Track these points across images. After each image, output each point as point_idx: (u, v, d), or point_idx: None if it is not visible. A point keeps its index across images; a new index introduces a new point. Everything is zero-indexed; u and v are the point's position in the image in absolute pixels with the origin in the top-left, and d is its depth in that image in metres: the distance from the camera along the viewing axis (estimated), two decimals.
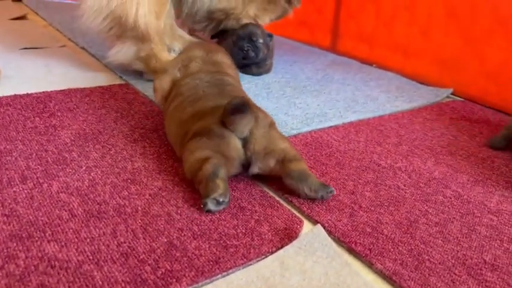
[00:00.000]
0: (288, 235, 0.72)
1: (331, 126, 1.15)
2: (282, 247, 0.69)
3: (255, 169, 0.83)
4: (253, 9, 1.47)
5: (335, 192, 0.83)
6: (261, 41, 1.40)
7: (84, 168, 0.86)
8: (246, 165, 0.83)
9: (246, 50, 1.38)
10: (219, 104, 0.85)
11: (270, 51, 1.49)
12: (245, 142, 0.81)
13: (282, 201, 0.82)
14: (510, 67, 1.35)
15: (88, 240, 0.67)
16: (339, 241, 0.73)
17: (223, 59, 1.07)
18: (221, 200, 0.74)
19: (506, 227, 0.80)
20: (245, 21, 1.46)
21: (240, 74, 1.39)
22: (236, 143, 0.81)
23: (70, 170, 0.85)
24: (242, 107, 0.80)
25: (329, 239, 0.72)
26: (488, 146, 1.11)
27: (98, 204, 0.75)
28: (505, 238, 0.77)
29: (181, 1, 1.41)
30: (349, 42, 1.85)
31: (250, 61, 1.42)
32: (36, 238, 0.66)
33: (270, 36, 1.45)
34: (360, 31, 1.80)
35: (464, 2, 1.43)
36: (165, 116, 0.98)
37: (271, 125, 0.87)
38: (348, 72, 1.62)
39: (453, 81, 1.50)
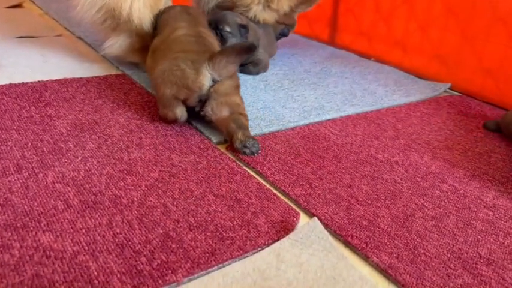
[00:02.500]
0: (284, 228, 0.72)
1: (328, 120, 1.15)
2: (278, 240, 0.69)
3: (208, 108, 0.97)
4: None
5: (259, 151, 0.94)
6: (227, 29, 1.29)
7: (80, 158, 0.85)
8: (203, 101, 0.97)
9: None
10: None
11: (262, 44, 1.42)
12: (215, 80, 0.96)
13: (278, 194, 0.82)
14: (508, 63, 1.35)
15: (83, 230, 0.67)
16: (335, 234, 0.73)
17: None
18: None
19: (502, 222, 0.80)
20: (254, 8, 1.41)
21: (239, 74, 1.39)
22: (204, 78, 0.94)
23: (66, 160, 0.84)
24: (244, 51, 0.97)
25: (325, 232, 0.72)
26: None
27: (93, 194, 0.75)
28: (501, 233, 0.77)
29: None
30: (348, 36, 1.85)
31: None
32: (31, 228, 0.66)
33: (244, 27, 1.32)
34: (359, 25, 1.79)
35: None
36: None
37: (237, 87, 1.02)
38: (346, 65, 1.62)
39: (451, 76, 1.50)
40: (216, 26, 1.29)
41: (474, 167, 0.98)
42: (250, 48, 0.98)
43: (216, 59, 0.94)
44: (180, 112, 0.97)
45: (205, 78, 0.94)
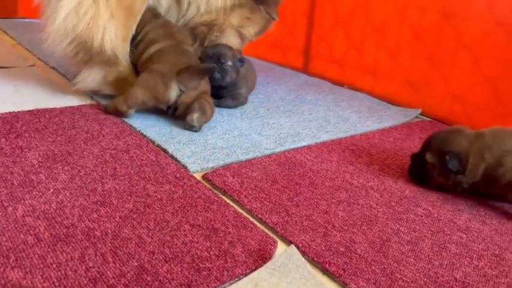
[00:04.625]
0: (261, 256, 0.72)
1: (304, 146, 1.16)
2: (255, 269, 0.69)
3: (178, 112, 1.19)
4: (236, 18, 1.42)
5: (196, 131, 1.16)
6: (229, 63, 1.31)
7: (51, 190, 0.83)
8: (173, 109, 1.20)
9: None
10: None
11: (245, 79, 1.42)
12: (180, 93, 1.17)
13: (255, 222, 0.81)
14: (475, 89, 1.40)
15: (54, 265, 0.64)
16: (313, 261, 0.73)
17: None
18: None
19: (475, 244, 0.81)
20: (228, 32, 1.42)
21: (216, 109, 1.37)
22: (171, 92, 1.16)
23: (37, 193, 0.82)
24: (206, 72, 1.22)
25: (303, 259, 0.71)
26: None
27: (65, 227, 0.73)
28: (474, 255, 0.78)
29: None
30: (321, 64, 1.89)
31: (216, 83, 1.31)
32: None
33: (242, 61, 1.36)
34: (331, 53, 1.84)
35: (431, 26, 1.49)
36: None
37: (205, 92, 1.23)
38: (320, 93, 1.65)
39: (421, 102, 1.54)
40: (217, 60, 1.30)
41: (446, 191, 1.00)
42: (211, 70, 1.25)
43: (183, 75, 1.16)
44: (131, 113, 1.20)
45: (173, 92, 1.16)
